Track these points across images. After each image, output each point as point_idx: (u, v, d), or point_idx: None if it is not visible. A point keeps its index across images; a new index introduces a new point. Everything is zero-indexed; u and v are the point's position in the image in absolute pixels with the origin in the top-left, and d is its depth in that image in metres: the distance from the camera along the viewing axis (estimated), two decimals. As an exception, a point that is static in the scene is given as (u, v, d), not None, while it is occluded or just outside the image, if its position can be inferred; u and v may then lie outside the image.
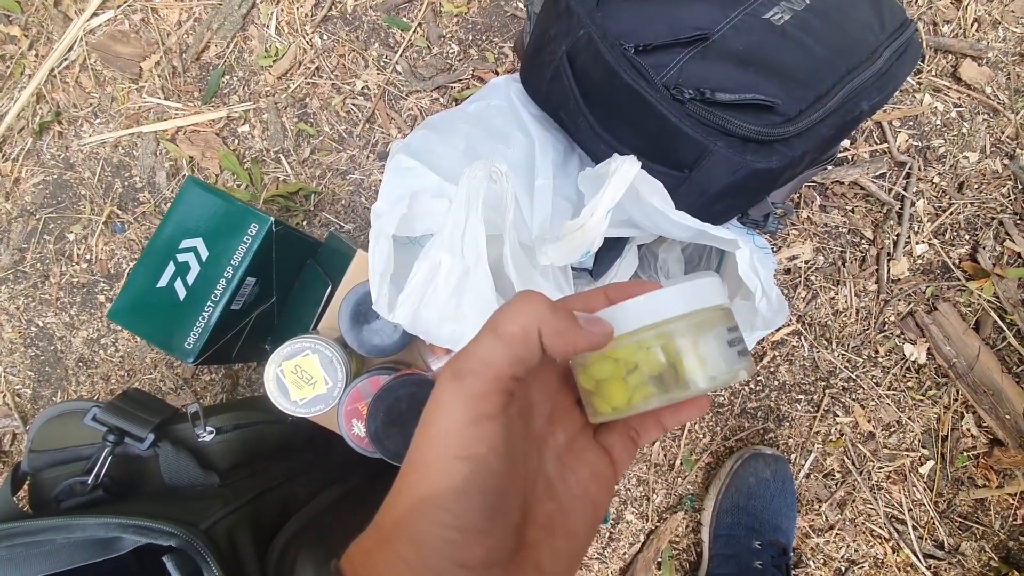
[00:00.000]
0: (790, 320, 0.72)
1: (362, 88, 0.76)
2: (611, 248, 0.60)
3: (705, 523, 0.68)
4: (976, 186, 0.72)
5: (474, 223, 0.45)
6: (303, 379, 0.47)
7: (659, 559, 0.71)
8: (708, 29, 0.48)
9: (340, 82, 0.76)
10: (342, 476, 0.54)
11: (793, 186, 0.68)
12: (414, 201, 0.51)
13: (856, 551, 0.70)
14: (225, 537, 0.40)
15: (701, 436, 0.72)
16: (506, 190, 0.47)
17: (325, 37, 0.77)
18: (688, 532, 0.72)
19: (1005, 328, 0.70)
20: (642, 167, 0.49)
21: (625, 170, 0.39)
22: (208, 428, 0.46)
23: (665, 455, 0.72)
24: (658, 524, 0.72)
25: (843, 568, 0.71)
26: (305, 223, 0.76)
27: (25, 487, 0.46)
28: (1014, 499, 0.70)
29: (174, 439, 0.46)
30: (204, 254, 0.57)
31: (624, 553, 0.72)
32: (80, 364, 0.78)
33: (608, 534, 0.72)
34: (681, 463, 0.72)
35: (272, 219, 0.57)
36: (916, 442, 0.71)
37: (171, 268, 0.57)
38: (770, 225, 0.58)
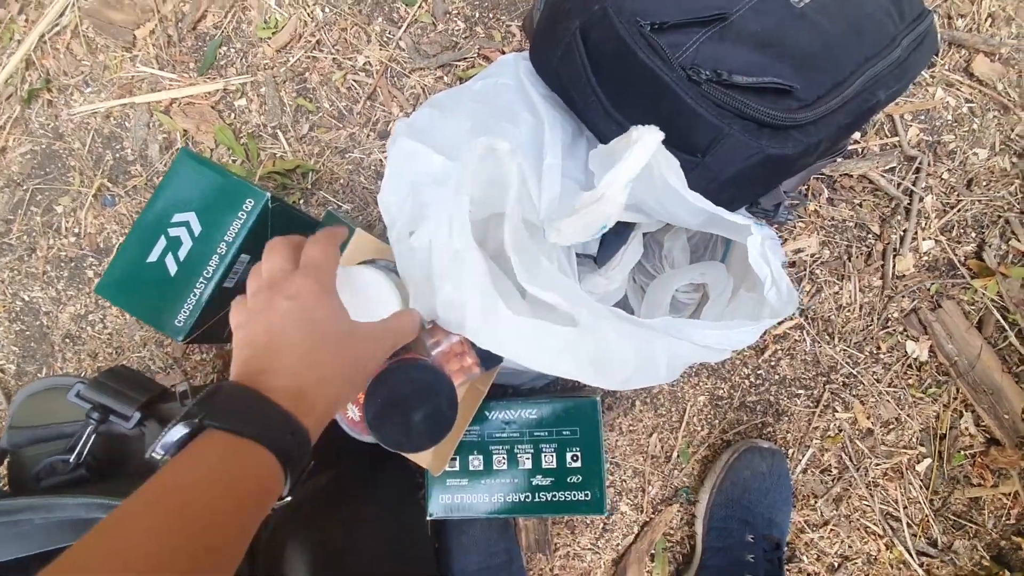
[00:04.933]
0: (794, 314, 0.71)
1: (364, 64, 0.74)
2: (617, 234, 0.59)
3: (699, 515, 0.68)
4: (984, 183, 0.71)
5: (460, 206, 0.43)
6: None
7: (652, 551, 0.70)
8: (726, 9, 0.46)
9: (341, 57, 0.74)
10: (332, 461, 0.53)
11: (802, 177, 0.66)
12: (416, 194, 0.49)
13: (850, 547, 0.70)
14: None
15: (699, 429, 0.72)
16: (510, 168, 0.46)
17: (327, 10, 0.74)
18: (683, 524, 0.71)
19: (1007, 327, 0.70)
20: (654, 149, 0.47)
21: (648, 140, 0.37)
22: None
23: (662, 447, 0.72)
24: (653, 516, 0.71)
25: (836, 564, 0.70)
26: (302, 202, 0.74)
27: (4, 465, 0.44)
28: (1008, 499, 0.70)
29: (161, 418, 0.44)
30: (197, 229, 0.55)
31: (617, 544, 0.72)
32: (67, 340, 0.76)
33: (602, 525, 0.72)
34: (678, 455, 0.71)
35: (269, 195, 0.55)
36: (914, 440, 0.70)
37: (162, 243, 0.55)
38: (780, 215, 0.57)
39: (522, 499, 0.54)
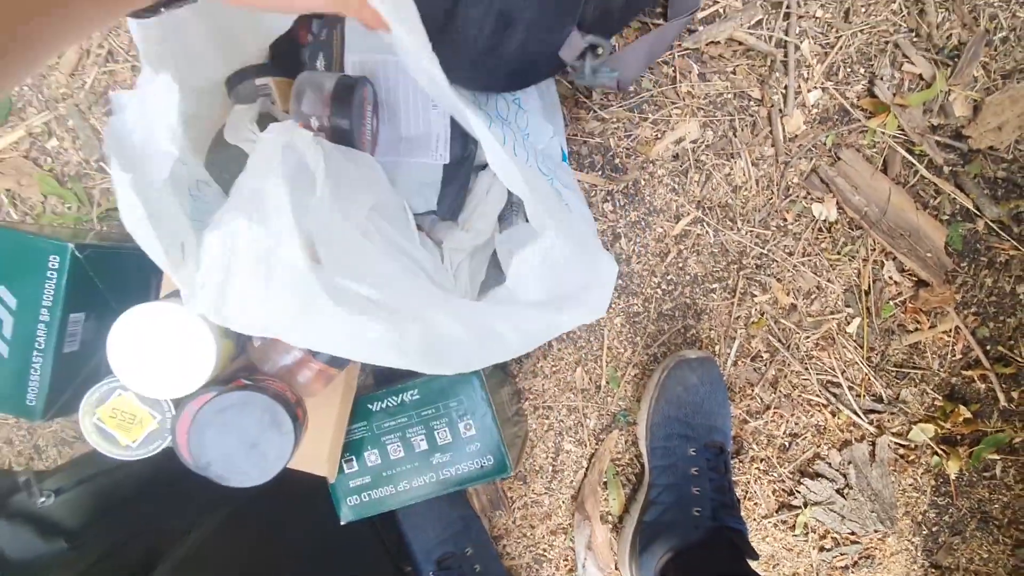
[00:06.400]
0: (688, 210, 0.66)
1: (167, 64, 0.66)
2: (449, 180, 0.54)
3: (641, 436, 0.67)
4: (863, 10, 0.64)
5: (275, 185, 0.38)
6: (127, 420, 0.42)
7: (604, 479, 0.70)
8: None
9: (139, 61, 0.66)
10: (228, 496, 0.51)
11: (649, 52, 0.59)
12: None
13: (796, 424, 0.69)
14: (69, 607, 0.37)
15: (622, 351, 0.69)
16: (315, 161, 0.40)
17: (109, 14, 0.66)
18: (628, 447, 0.70)
19: (915, 161, 0.65)
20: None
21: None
22: (45, 492, 0.42)
23: (590, 378, 0.70)
24: (597, 447, 0.70)
25: (787, 443, 0.70)
26: (153, 231, 0.69)
27: None
28: (949, 336, 0.68)
29: (11, 512, 0.42)
30: (12, 302, 0.51)
31: (571, 481, 0.71)
32: (-24, 433, 0.74)
33: (551, 467, 0.71)
34: (607, 382, 0.69)
35: (72, 245, 0.51)
36: (839, 303, 0.67)
37: (-20, 327, 0.51)
38: (598, 75, 0.49)
39: (428, 481, 0.52)
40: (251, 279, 0.38)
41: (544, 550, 0.73)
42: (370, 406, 0.52)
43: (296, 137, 0.42)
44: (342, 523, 0.52)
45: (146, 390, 0.40)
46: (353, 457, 0.52)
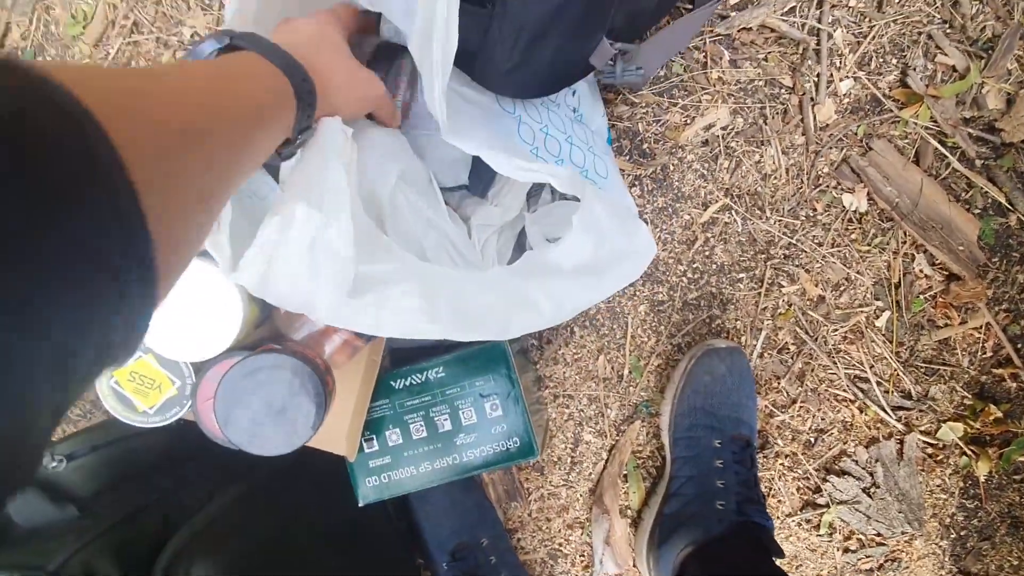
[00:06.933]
0: (717, 197, 0.65)
1: (191, 36, 0.66)
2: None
3: (664, 427, 0.65)
4: (897, 0, 0.63)
5: (335, 169, 0.38)
6: (145, 385, 0.41)
7: (624, 471, 0.68)
8: None
9: (165, 34, 0.66)
10: (245, 472, 0.49)
11: (673, 43, 0.58)
12: None
13: (823, 419, 0.68)
14: (80, 573, 0.35)
15: (646, 340, 0.68)
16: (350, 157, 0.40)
17: (135, -14, 0.65)
18: (649, 439, 0.69)
19: (947, 153, 0.64)
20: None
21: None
22: (56, 457, 0.41)
23: (612, 367, 0.68)
24: (617, 438, 0.68)
25: (812, 439, 0.68)
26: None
27: None
28: (980, 332, 0.67)
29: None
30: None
31: (590, 473, 0.69)
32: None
33: (570, 458, 0.69)
34: (630, 371, 0.68)
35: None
36: (868, 295, 0.66)
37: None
38: (626, 74, 0.49)
39: (451, 462, 0.50)
40: (299, 263, 0.37)
41: (560, 544, 0.71)
42: (393, 383, 0.50)
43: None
44: (360, 504, 0.51)
45: (169, 351, 0.39)
46: (373, 436, 0.50)
